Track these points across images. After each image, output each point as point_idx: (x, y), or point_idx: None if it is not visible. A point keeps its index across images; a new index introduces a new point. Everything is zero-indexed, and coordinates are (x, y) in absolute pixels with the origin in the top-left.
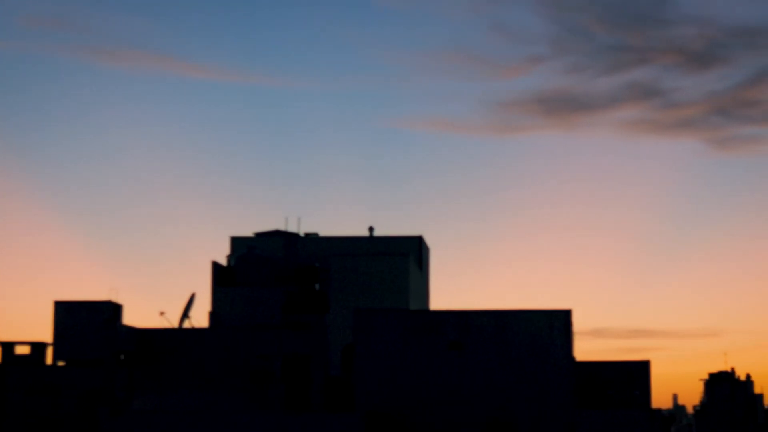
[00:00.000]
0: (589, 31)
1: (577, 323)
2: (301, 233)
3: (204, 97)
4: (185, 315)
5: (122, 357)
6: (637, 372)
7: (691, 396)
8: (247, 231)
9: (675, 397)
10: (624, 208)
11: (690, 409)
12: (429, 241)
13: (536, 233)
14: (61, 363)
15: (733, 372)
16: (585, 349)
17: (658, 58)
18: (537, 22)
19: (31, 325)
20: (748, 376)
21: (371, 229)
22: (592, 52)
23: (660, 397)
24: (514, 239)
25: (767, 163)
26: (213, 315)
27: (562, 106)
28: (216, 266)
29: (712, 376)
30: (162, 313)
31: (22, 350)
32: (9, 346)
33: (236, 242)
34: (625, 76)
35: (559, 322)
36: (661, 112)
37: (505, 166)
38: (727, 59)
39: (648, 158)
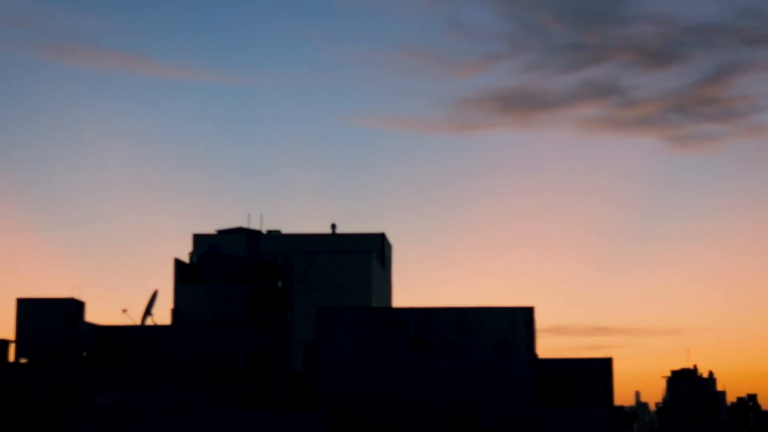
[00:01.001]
0: (546, 29)
1: (539, 320)
2: (264, 230)
3: (165, 95)
4: (148, 312)
5: (85, 354)
6: (600, 369)
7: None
8: (210, 228)
9: (637, 395)
10: (584, 205)
11: (652, 407)
12: (391, 238)
13: (497, 230)
14: (23, 360)
15: (695, 369)
16: (546, 346)
17: (616, 56)
18: (494, 21)
19: None
20: (711, 374)
21: (333, 226)
22: (549, 50)
23: (622, 395)
24: (476, 236)
25: (725, 161)
26: (175, 312)
27: (520, 104)
28: (178, 264)
29: (674, 373)
30: (124, 311)
31: None
32: None
33: (199, 240)
34: (583, 74)
35: (521, 320)
36: (619, 110)
37: (464, 164)
38: (684, 57)
39: (607, 156)
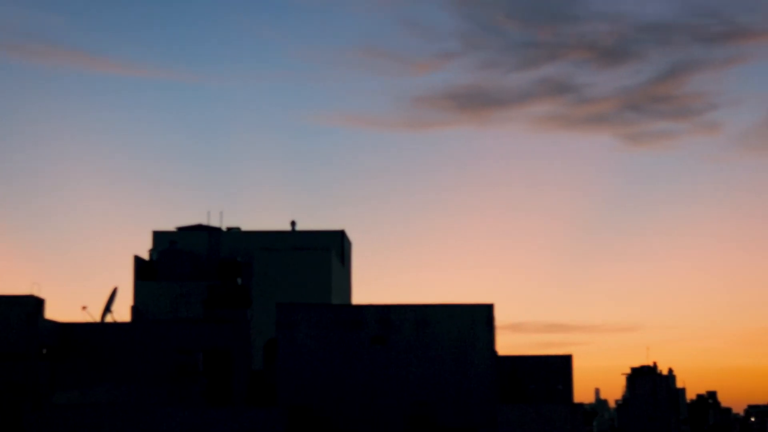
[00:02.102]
0: (499, 27)
1: (497, 318)
2: (224, 228)
3: (124, 93)
4: (107, 309)
5: (44, 351)
6: (560, 366)
7: (614, 390)
8: (170, 225)
9: (597, 392)
10: (541, 203)
11: (612, 404)
12: (351, 235)
13: (456, 228)
14: None
15: (655, 366)
16: (504, 343)
17: (569, 53)
18: (447, 18)
19: None
20: (671, 371)
21: (293, 223)
22: (503, 47)
23: (582, 392)
24: (435, 234)
25: (680, 158)
26: (135, 309)
27: (474, 102)
28: (138, 261)
29: (634, 370)
30: (84, 308)
31: None
32: None
33: (158, 237)
34: (537, 71)
35: (481, 317)
36: (574, 108)
37: (421, 162)
38: (638, 55)
39: (562, 153)
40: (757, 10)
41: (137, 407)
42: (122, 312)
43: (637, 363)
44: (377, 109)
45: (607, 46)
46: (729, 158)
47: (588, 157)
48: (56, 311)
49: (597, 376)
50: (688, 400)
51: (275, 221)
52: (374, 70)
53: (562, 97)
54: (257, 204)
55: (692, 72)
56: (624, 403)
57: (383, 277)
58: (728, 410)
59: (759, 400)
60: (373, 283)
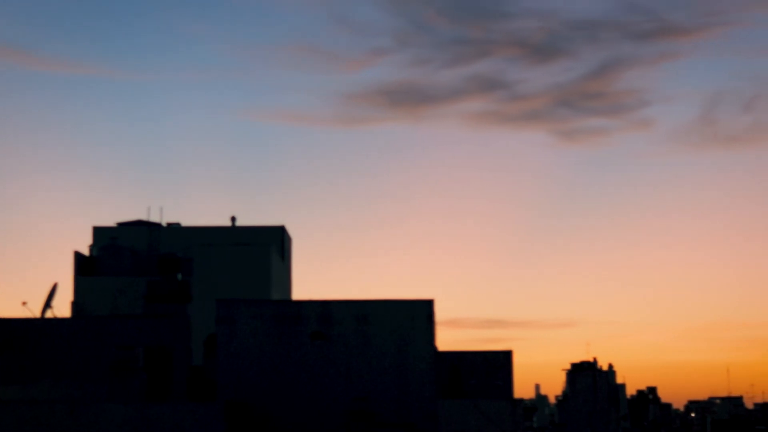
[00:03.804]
0: (430, 24)
1: (437, 313)
2: (164, 223)
3: (62, 90)
4: (47, 305)
5: None
6: (500, 362)
7: (554, 386)
8: (110, 221)
9: (537, 387)
10: (477, 199)
11: (552, 399)
12: (291, 231)
13: (395, 224)
14: None
15: (595, 362)
16: (445, 339)
17: (501, 50)
18: (379, 15)
19: None
20: (611, 366)
21: (233, 219)
22: (434, 44)
23: (522, 387)
24: (374, 229)
25: (615, 155)
26: (75, 305)
27: (407, 98)
28: (78, 256)
29: (573, 366)
30: (24, 303)
31: None
32: None
33: (98, 232)
34: (469, 68)
35: (421, 312)
36: (506, 104)
37: (355, 158)
38: (569, 52)
39: (497, 150)
40: (686, 7)
41: (77, 403)
42: (62, 307)
43: (577, 359)
44: (311, 106)
45: (537, 42)
46: (663, 155)
47: (522, 153)
48: None
49: (537, 372)
50: (628, 396)
51: (215, 217)
52: (307, 67)
53: (494, 93)
54: (197, 200)
55: (624, 69)
56: (564, 398)
57: (323, 272)
58: (668, 406)
59: (699, 395)
60: (313, 279)
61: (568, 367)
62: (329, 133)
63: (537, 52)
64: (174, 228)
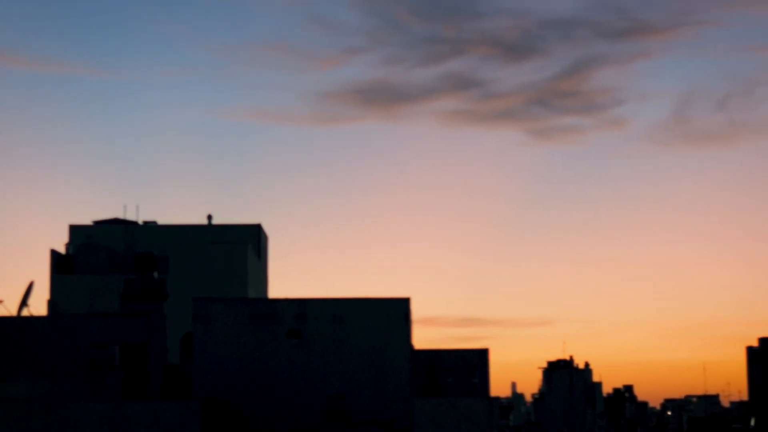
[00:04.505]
0: (404, 23)
1: (413, 312)
2: (140, 221)
3: (39, 89)
4: (24, 303)
5: None
6: (476, 360)
7: (530, 384)
8: (86, 219)
9: (513, 385)
10: (453, 197)
11: (528, 398)
12: (267, 229)
13: (371, 222)
14: None
15: (571, 360)
16: (421, 337)
17: (474, 49)
18: (352, 15)
19: None
20: (587, 365)
21: (210, 217)
22: (408, 43)
23: (498, 386)
24: (350, 228)
25: (588, 153)
26: (51, 303)
27: (381, 97)
28: (54, 254)
29: (550, 364)
30: (0, 301)
31: None
32: None
33: (75, 230)
34: (442, 67)
35: (397, 311)
36: (480, 103)
37: (330, 156)
38: (542, 51)
39: (470, 148)
40: (658, 7)
41: (54, 401)
42: (39, 306)
43: (554, 357)
44: (286, 105)
45: (511, 41)
46: (637, 153)
47: (497, 152)
48: None
49: (513, 370)
50: (604, 394)
51: (191, 215)
52: (282, 66)
53: (467, 92)
54: (173, 198)
55: (596, 68)
56: (540, 396)
57: (300, 270)
58: (645, 404)
59: (675, 393)
60: (289, 277)
61: (545, 365)
62: (304, 132)
63: (511, 51)
64: (150, 226)
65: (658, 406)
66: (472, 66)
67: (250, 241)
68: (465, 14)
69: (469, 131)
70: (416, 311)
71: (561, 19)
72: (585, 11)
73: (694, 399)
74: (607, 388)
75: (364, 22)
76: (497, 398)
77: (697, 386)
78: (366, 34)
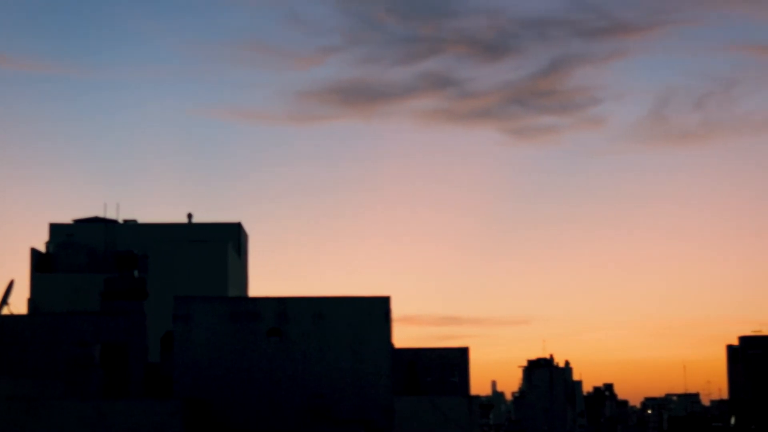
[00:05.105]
0: (380, 22)
1: (393, 310)
2: (120, 220)
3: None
4: (4, 302)
5: None
6: (456, 358)
7: (510, 383)
8: (66, 218)
9: (494, 384)
10: (432, 196)
11: (509, 396)
12: (247, 227)
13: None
14: None
15: (551, 359)
16: (401, 336)
17: (450, 48)
18: (329, 13)
19: None
20: (567, 363)
21: (190, 216)
22: (384, 42)
23: (478, 384)
24: (330, 226)
25: (566, 153)
26: (32, 302)
27: (359, 96)
28: (35, 253)
29: (530, 362)
30: None
31: None
32: None
33: (55, 229)
34: (419, 66)
35: (377, 309)
36: (457, 102)
37: (308, 155)
38: (519, 50)
39: (448, 147)
40: (636, 6)
41: (34, 400)
42: (19, 305)
43: (534, 355)
44: (263, 104)
45: (487, 40)
46: (614, 152)
47: (474, 151)
48: None
49: (493, 369)
50: (584, 393)
51: (172, 214)
52: (258, 65)
53: (444, 91)
54: (153, 197)
55: (574, 66)
56: (521, 395)
57: (280, 269)
58: (625, 402)
59: (656, 392)
60: (269, 276)
61: (525, 363)
62: (283, 130)
63: (487, 50)
64: (130, 225)
65: (638, 405)
66: (449, 65)
67: (230, 240)
68: (442, 13)
69: (447, 130)
70: (396, 310)
71: (538, 18)
72: (562, 10)
73: (675, 398)
74: (587, 387)
75: (340, 22)
76: (477, 397)
77: (677, 385)
78: (343, 33)
